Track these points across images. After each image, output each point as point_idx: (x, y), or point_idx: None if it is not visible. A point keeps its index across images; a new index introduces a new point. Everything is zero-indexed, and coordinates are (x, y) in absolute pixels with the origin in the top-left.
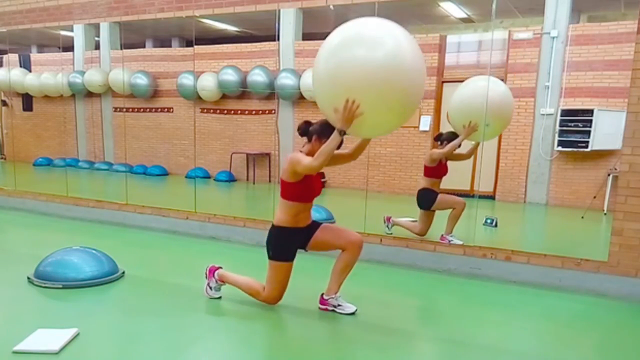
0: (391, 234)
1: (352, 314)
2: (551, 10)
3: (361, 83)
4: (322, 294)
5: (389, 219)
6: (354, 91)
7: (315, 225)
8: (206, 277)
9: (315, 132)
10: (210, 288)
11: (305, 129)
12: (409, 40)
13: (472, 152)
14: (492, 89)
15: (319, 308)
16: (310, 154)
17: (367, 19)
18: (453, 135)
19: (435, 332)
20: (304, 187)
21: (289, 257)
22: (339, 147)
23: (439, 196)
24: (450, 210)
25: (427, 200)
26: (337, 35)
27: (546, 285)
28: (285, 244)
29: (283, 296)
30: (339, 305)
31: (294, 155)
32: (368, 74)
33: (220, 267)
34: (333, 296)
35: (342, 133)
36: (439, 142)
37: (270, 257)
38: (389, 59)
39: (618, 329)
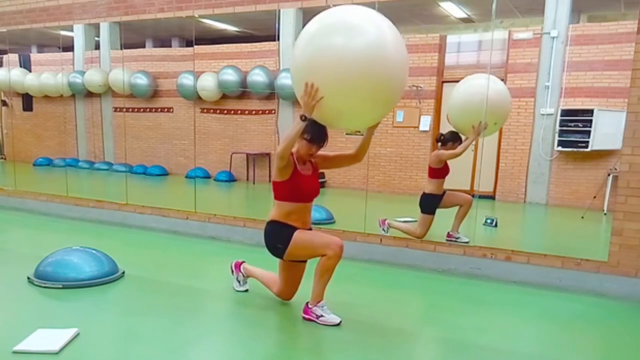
0: (388, 235)
1: (337, 325)
2: (551, 10)
3: (317, 67)
4: (307, 303)
5: (383, 221)
6: (313, 76)
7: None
8: (232, 272)
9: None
10: (239, 282)
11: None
12: (377, 26)
13: (466, 148)
14: (490, 87)
15: (303, 318)
16: (300, 150)
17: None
18: (455, 136)
19: (435, 332)
20: (291, 186)
21: (294, 229)
22: (321, 143)
23: (446, 194)
24: (457, 208)
25: (430, 205)
26: (312, 24)
27: (546, 285)
28: (282, 230)
29: (295, 294)
30: (321, 315)
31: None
32: (324, 59)
33: (244, 262)
34: (317, 305)
35: (304, 118)
36: (439, 144)
37: (282, 253)
38: (343, 48)
39: (618, 329)
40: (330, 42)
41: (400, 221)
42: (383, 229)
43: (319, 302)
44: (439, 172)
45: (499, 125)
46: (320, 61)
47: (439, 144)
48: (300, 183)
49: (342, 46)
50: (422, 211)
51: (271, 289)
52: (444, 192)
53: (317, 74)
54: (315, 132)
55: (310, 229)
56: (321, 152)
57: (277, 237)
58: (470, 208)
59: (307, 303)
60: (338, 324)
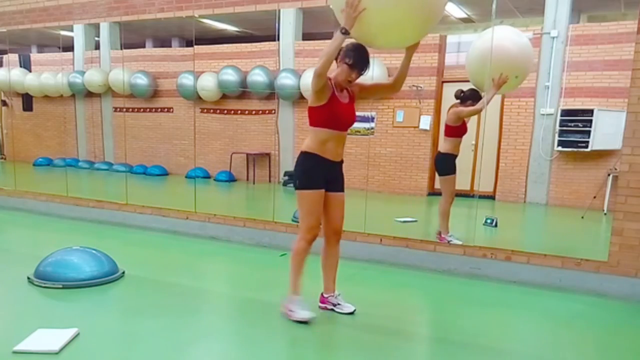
0: (462, 242)
1: (351, 313)
2: (551, 10)
3: None
4: (322, 293)
5: (442, 238)
6: None
7: (341, 172)
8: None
9: (341, 53)
10: (339, 304)
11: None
12: None
13: (488, 103)
14: (511, 40)
15: (319, 307)
16: (338, 76)
17: None
18: (475, 94)
19: (435, 332)
20: (328, 112)
21: (318, 184)
22: (362, 69)
23: (454, 175)
24: (439, 203)
25: (449, 165)
26: None
27: (546, 285)
28: (311, 170)
29: (319, 227)
30: (338, 304)
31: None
32: None
33: (322, 293)
34: (332, 294)
35: (344, 31)
36: (459, 101)
37: (297, 187)
38: None
39: (618, 329)
40: None
41: (401, 221)
42: (449, 240)
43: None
44: (457, 130)
45: (520, 79)
46: None
47: (458, 101)
48: (337, 109)
49: None
50: (441, 173)
51: (297, 244)
52: (455, 158)
53: None
54: (358, 57)
55: (342, 162)
56: (358, 81)
57: (302, 174)
58: (451, 206)
59: (321, 293)
60: (352, 313)
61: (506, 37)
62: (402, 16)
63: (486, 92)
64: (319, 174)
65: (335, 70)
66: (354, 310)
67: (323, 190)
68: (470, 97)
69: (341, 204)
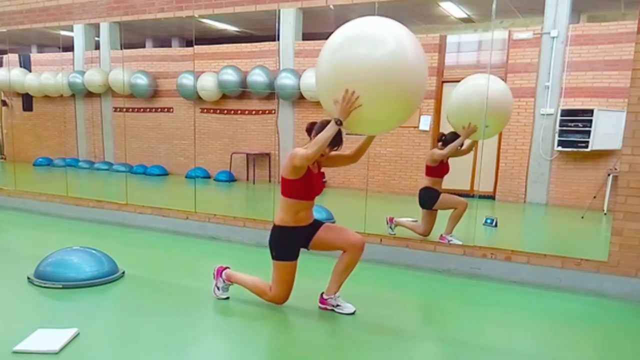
0: (394, 234)
1: (352, 314)
2: (551, 10)
3: (361, 77)
4: (322, 293)
5: (391, 219)
6: (354, 84)
7: (317, 224)
8: (214, 277)
9: (316, 129)
10: (218, 288)
11: (309, 128)
12: (411, 40)
13: (471, 147)
14: (490, 87)
15: (319, 307)
16: None
17: (370, 18)
18: (455, 136)
19: (435, 332)
20: (304, 185)
21: (293, 257)
22: (336, 145)
23: (442, 196)
24: (452, 210)
25: (429, 199)
26: (340, 35)
27: (546, 285)
28: (287, 243)
29: (290, 296)
30: (337, 305)
31: (293, 150)
32: (369, 69)
33: (228, 267)
34: (332, 296)
35: (339, 123)
36: (440, 143)
37: (273, 257)
38: (391, 57)
39: (618, 329)
40: (371, 53)
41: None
42: (390, 227)
43: (334, 293)
44: (435, 170)
45: (493, 129)
46: (364, 75)
47: (440, 143)
48: (310, 181)
49: (385, 63)
50: (422, 206)
51: (262, 296)
52: (439, 193)
53: (359, 85)
54: (336, 135)
55: (313, 222)
56: None
57: (279, 248)
58: (465, 212)
59: (321, 294)
60: (353, 313)
61: (481, 85)
62: (392, 112)
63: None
64: (294, 246)
65: (308, 144)
66: (354, 311)
67: (296, 262)
68: (451, 140)
69: (331, 228)
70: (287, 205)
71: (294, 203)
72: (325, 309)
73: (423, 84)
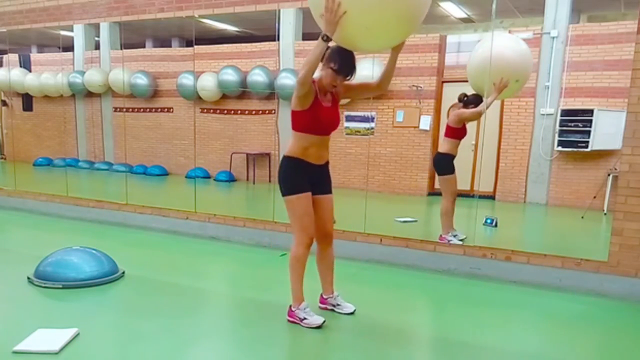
0: (464, 237)
1: (351, 313)
2: (551, 10)
3: None
4: (322, 294)
5: (443, 238)
6: None
7: (327, 174)
8: (298, 320)
9: (326, 56)
10: (334, 305)
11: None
12: None
13: (489, 106)
14: (511, 47)
15: (319, 307)
16: (323, 79)
17: None
18: (479, 99)
19: (435, 332)
20: (311, 117)
21: (304, 188)
22: (348, 74)
23: (454, 175)
24: (440, 203)
25: (448, 164)
26: None
27: (546, 285)
28: (295, 174)
29: (313, 237)
30: (338, 304)
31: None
32: None
33: (294, 307)
34: (332, 295)
35: (325, 38)
36: (461, 104)
37: (284, 194)
38: None
39: (618, 329)
40: None
41: (401, 221)
42: (450, 240)
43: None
44: (457, 131)
45: (521, 84)
46: None
47: (461, 104)
48: (320, 114)
49: None
50: (440, 173)
51: (293, 255)
52: (454, 158)
53: None
54: (343, 61)
55: (327, 163)
56: None
57: (287, 179)
58: (454, 205)
59: (321, 294)
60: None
61: (505, 44)
62: (384, 17)
63: (487, 96)
64: (303, 178)
65: (319, 73)
66: (354, 310)
67: (310, 193)
68: (473, 102)
69: (329, 205)
70: (295, 139)
71: (302, 136)
72: (326, 308)
73: None
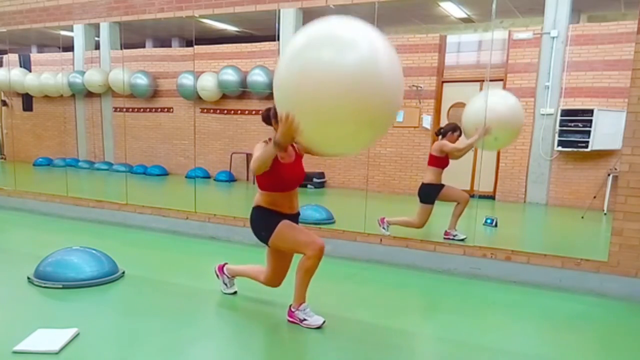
0: (389, 234)
1: (319, 327)
2: (551, 10)
3: (297, 90)
4: (290, 306)
5: (382, 220)
6: (294, 105)
7: (297, 219)
8: (218, 276)
9: (272, 116)
10: (226, 285)
11: (266, 116)
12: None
13: (469, 148)
14: (503, 104)
15: (287, 320)
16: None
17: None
18: (454, 126)
19: (435, 332)
20: (274, 177)
21: (278, 219)
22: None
23: (445, 187)
24: (454, 205)
25: (431, 194)
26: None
27: (546, 285)
28: (269, 216)
29: (283, 280)
30: (304, 319)
31: (256, 145)
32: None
33: (226, 263)
34: (299, 309)
35: (278, 146)
36: (440, 137)
37: (265, 240)
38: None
39: (618, 329)
40: (317, 58)
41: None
42: (383, 228)
43: (301, 304)
44: (439, 161)
45: (500, 142)
46: (301, 85)
47: (440, 137)
48: (282, 173)
49: (328, 63)
50: (421, 201)
51: (258, 279)
52: (443, 185)
53: (298, 96)
54: None
55: (298, 214)
56: None
57: (261, 224)
58: (467, 207)
59: (290, 306)
60: (321, 326)
61: (496, 102)
62: (340, 132)
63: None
64: (277, 217)
65: (275, 132)
66: (323, 323)
67: (286, 220)
68: (449, 130)
69: (290, 258)
70: (262, 195)
71: (268, 194)
72: (293, 322)
73: (375, 98)
